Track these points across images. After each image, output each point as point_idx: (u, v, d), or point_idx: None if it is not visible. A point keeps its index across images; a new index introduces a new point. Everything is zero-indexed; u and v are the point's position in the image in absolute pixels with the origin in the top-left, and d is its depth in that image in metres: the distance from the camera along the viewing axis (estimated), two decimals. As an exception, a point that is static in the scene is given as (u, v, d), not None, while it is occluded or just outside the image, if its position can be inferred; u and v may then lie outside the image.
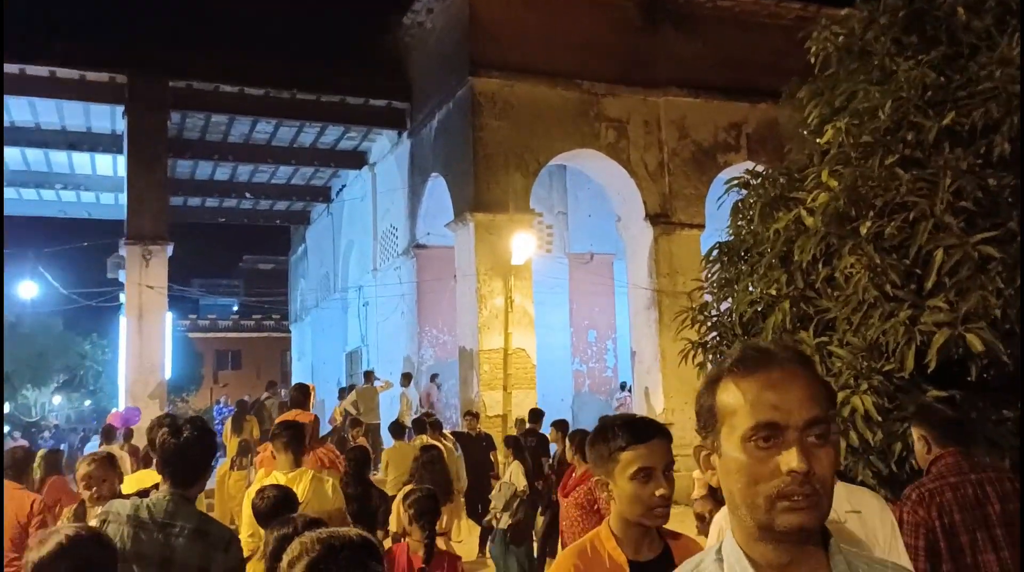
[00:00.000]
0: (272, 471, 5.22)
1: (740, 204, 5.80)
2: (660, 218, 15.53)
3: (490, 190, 14.48)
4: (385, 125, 17.88)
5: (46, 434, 31.15)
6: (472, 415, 11.90)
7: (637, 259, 15.81)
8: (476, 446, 10.84)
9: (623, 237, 16.38)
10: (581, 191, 18.63)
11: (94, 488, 4.32)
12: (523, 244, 14.08)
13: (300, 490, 4.65)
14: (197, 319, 52.02)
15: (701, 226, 15.75)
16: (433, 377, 16.11)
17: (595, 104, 15.33)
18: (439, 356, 17.32)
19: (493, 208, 14.42)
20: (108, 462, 4.45)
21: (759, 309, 5.20)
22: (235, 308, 56.82)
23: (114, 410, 16.14)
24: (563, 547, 4.79)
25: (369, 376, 15.74)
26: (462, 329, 15.00)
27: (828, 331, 4.72)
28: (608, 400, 18.54)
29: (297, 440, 4.97)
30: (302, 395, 7.98)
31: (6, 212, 22.65)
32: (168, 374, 15.86)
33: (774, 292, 5.00)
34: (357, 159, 20.32)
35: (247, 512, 4.31)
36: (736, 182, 5.98)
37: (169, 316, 15.90)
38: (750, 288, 5.37)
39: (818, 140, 5.30)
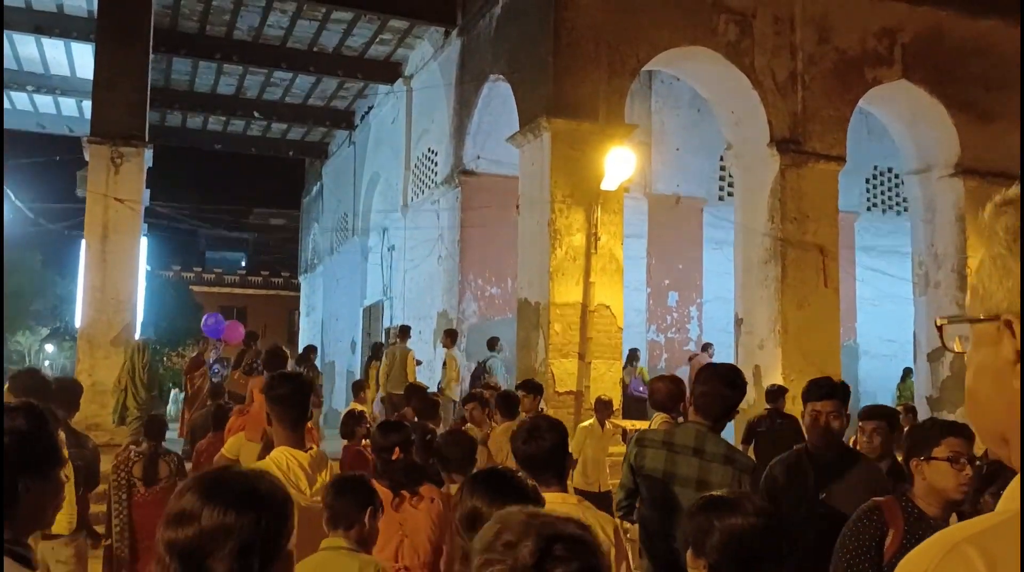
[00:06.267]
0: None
1: None
2: (790, 145, 11.82)
3: (574, 91, 10.79)
4: (430, 19, 14.19)
5: None
6: (532, 387, 7.83)
7: (753, 198, 12.12)
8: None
9: (734, 170, 12.72)
10: (670, 117, 14.91)
11: None
12: (619, 163, 10.40)
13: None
14: (202, 273, 48.74)
15: (841, 159, 12.07)
16: (494, 343, 12.28)
17: (714, -12, 11.61)
18: (484, 312, 13.75)
19: (577, 114, 10.75)
20: None
21: None
22: (243, 263, 53.67)
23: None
24: None
25: (406, 334, 12.27)
26: (525, 276, 11.38)
27: None
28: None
29: None
30: None
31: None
32: (140, 316, 12.37)
33: None
34: (390, 71, 16.64)
35: None
36: None
37: (144, 242, 12.37)
38: None
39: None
